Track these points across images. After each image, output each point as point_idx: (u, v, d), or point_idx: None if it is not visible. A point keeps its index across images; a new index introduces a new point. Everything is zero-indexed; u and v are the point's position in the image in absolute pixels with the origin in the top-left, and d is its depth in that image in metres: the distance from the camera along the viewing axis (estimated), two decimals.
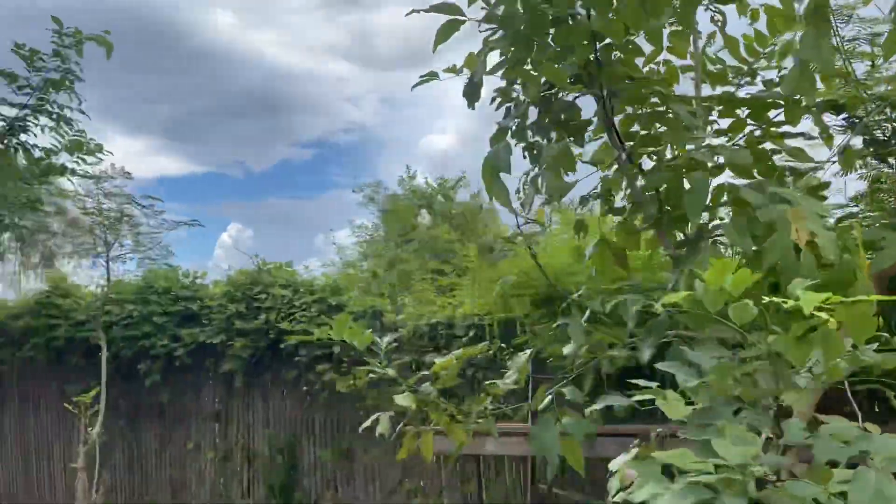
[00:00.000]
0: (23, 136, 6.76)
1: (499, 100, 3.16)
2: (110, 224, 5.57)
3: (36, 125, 6.86)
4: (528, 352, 2.88)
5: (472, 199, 22.61)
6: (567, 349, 2.88)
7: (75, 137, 6.49)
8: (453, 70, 3.00)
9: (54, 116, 6.83)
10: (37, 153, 6.69)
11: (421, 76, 3.00)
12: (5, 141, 6.75)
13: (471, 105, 3.02)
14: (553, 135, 2.98)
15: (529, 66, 2.77)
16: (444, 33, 2.74)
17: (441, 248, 16.37)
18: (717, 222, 2.63)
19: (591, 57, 2.66)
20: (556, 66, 2.70)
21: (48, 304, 6.96)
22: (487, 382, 2.95)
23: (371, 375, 2.94)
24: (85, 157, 6.58)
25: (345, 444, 5.76)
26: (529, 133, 3.01)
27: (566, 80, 2.77)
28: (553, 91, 2.98)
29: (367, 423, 2.82)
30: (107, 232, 5.70)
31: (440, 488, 5.39)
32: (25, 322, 7.19)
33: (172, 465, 6.56)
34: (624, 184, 2.86)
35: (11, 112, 6.80)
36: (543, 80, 2.83)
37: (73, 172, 6.50)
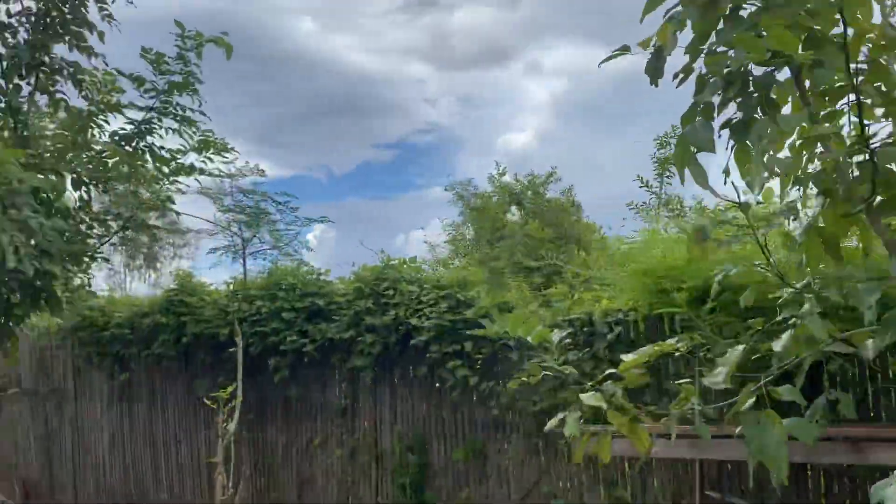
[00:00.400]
0: (149, 139, 6.97)
1: (682, 76, 2.95)
2: (251, 220, 5.62)
3: (160, 127, 7.06)
4: (740, 348, 2.63)
5: (563, 195, 22.18)
6: (778, 345, 2.62)
7: (203, 137, 6.62)
8: (645, 44, 2.81)
9: (178, 118, 7.00)
10: (163, 154, 6.87)
11: (613, 51, 2.81)
12: (133, 143, 6.97)
13: (653, 82, 2.81)
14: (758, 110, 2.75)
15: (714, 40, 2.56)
16: (653, 2, 2.56)
17: (532, 246, 16.10)
18: None
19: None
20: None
21: (178, 302, 7.14)
22: (680, 381, 2.72)
23: (544, 373, 2.76)
24: (212, 156, 6.72)
25: (478, 443, 5.61)
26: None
27: (764, 52, 2.53)
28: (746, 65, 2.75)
29: (553, 424, 2.64)
30: (244, 229, 5.75)
31: (580, 491, 5.17)
32: (154, 319, 7.39)
33: (299, 462, 6.58)
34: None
35: (138, 115, 7.02)
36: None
37: (202, 172, 6.64)
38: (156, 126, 6.95)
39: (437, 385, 5.76)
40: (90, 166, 6.51)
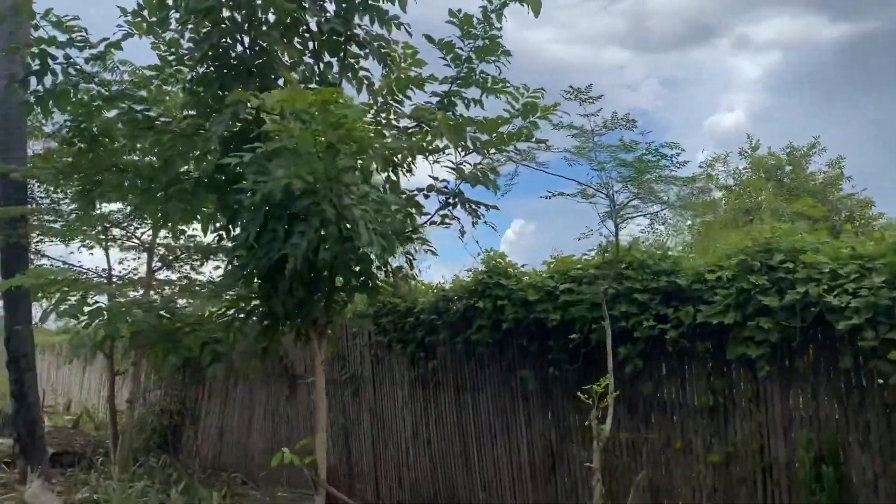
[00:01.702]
0: (456, 112, 6.44)
1: None
2: (634, 178, 4.74)
3: (463, 99, 6.50)
4: None
5: (830, 166, 19.48)
6: None
7: (530, 99, 5.91)
8: None
9: (484, 87, 6.40)
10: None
11: None
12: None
13: None
14: None
15: None
16: None
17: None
18: None
19: None
20: None
21: (493, 285, 6.54)
22: None
23: None
24: (538, 120, 6.01)
25: None
26: None
27: None
28: None
29: None
30: (623, 188, 4.90)
31: None
32: (465, 304, 6.88)
33: (651, 468, 5.65)
34: None
35: (439, 88, 6.51)
36: None
37: (529, 137, 5.95)
38: (459, 98, 6.42)
39: (860, 382, 4.52)
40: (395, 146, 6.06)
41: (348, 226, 5.25)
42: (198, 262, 11.92)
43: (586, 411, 6.08)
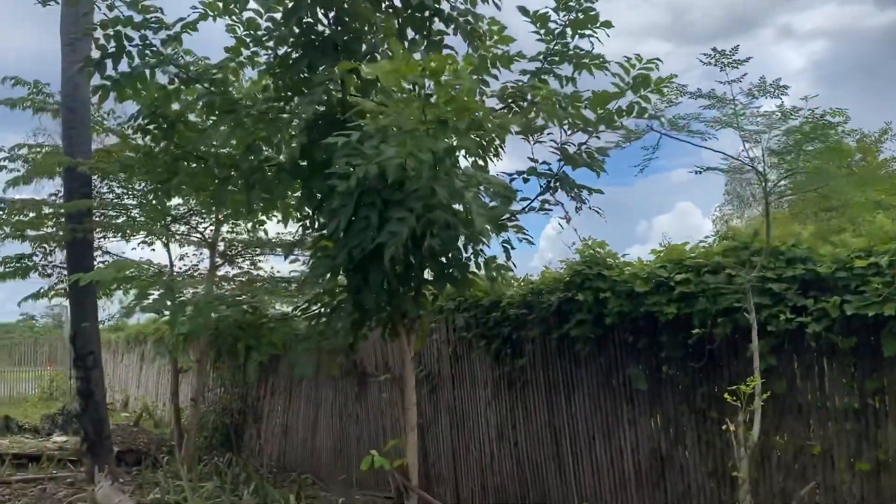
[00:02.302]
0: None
1: None
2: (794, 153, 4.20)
3: (555, 76, 6.02)
4: None
5: None
6: None
7: (642, 71, 5.40)
8: None
9: (574, 62, 5.92)
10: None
11: None
12: (527, 98, 6.01)
13: None
14: None
15: None
16: None
17: None
18: None
19: None
20: None
21: (594, 276, 6.05)
22: None
23: None
24: (651, 94, 5.50)
25: None
26: None
27: None
28: None
29: None
30: (777, 163, 4.36)
31: None
32: (560, 297, 6.41)
33: (785, 474, 5.10)
34: None
35: (528, 66, 6.06)
36: None
37: (642, 113, 5.44)
38: (551, 75, 5.95)
39: None
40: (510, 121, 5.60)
41: (456, 211, 4.85)
42: (259, 258, 11.69)
43: (701, 413, 5.58)
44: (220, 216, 9.77)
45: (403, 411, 5.77)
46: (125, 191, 10.77)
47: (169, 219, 10.64)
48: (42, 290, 11.46)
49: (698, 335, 5.21)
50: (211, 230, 10.90)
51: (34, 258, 10.86)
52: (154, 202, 10.08)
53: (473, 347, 7.73)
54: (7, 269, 10.63)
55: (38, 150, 10.59)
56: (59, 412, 13.68)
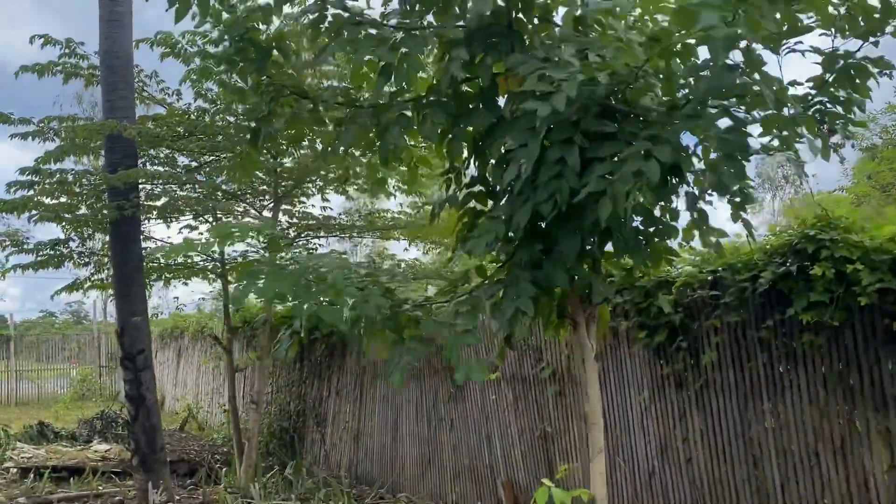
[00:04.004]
0: None
1: None
2: None
3: None
4: None
5: None
6: None
7: None
8: None
9: None
10: None
11: None
12: None
13: None
14: None
15: None
16: None
17: None
18: None
19: None
20: None
21: (831, 243, 4.52)
22: None
23: None
24: None
25: None
26: None
27: None
28: None
29: None
30: None
31: None
32: (776, 272, 4.90)
33: None
34: None
35: None
36: None
37: None
38: None
39: None
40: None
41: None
42: (319, 237, 10.30)
43: None
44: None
45: (586, 427, 4.27)
46: (169, 167, 9.35)
47: (219, 194, 9.23)
48: (77, 281, 10.10)
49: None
50: (270, 208, 9.48)
51: (69, 244, 9.45)
52: (211, 174, 8.67)
53: (621, 340, 6.24)
54: (40, 258, 9.24)
55: (71, 122, 9.14)
56: (98, 416, 12.32)
